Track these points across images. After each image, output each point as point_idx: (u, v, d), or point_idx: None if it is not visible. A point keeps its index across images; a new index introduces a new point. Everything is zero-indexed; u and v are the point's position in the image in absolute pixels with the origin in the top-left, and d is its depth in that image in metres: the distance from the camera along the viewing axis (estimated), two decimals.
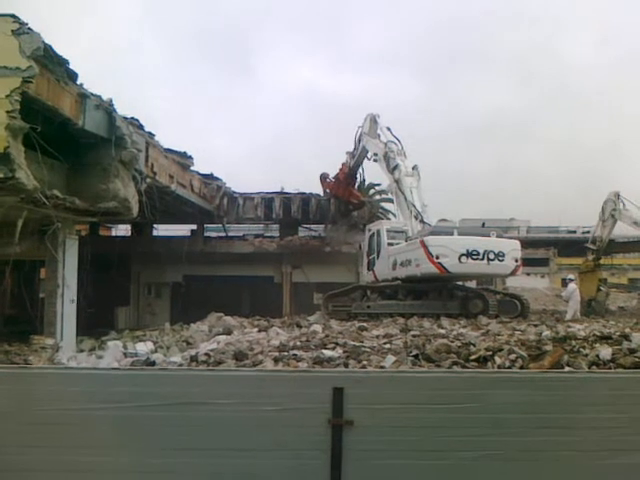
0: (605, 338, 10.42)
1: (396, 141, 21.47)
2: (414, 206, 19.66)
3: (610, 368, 8.24)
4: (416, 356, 9.46)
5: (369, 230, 22.58)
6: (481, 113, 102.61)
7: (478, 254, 17.99)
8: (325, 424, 4.37)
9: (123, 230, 35.49)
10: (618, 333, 10.97)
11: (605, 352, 8.89)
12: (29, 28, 12.35)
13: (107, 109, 15.63)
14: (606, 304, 25.61)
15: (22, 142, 12.34)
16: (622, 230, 26.83)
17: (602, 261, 27.39)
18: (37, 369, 7.73)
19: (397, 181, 20.40)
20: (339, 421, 4.36)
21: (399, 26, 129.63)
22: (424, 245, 17.90)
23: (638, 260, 49.83)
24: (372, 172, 26.08)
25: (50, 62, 13.28)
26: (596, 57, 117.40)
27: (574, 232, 45.91)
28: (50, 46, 13.01)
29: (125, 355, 12.31)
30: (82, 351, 15.05)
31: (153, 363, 10.47)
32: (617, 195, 25.09)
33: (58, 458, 4.48)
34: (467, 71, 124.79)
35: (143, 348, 12.83)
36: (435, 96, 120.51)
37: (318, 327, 15.19)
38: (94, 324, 19.59)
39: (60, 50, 13.51)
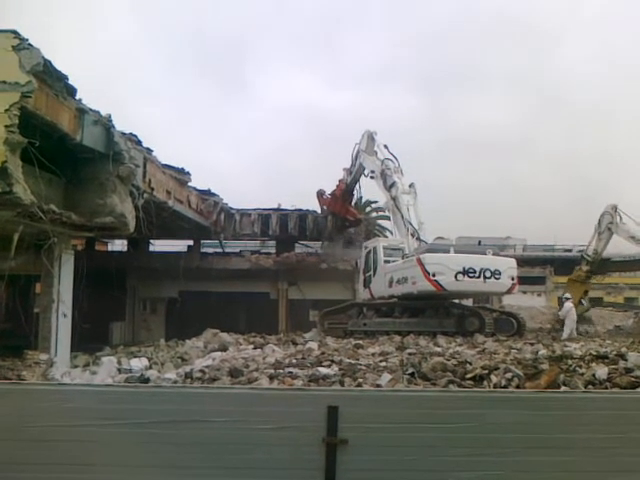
0: (601, 357, 10.40)
1: (393, 159, 21.58)
2: (411, 224, 19.71)
3: (606, 388, 8.23)
4: (412, 374, 9.43)
5: (366, 247, 22.61)
6: (479, 128, 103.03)
7: (474, 272, 18.02)
8: (319, 443, 4.33)
9: (119, 245, 35.42)
10: (614, 352, 10.95)
11: (601, 371, 8.88)
12: (29, 44, 12.46)
13: (105, 124, 15.70)
14: (585, 317, 25.49)
15: (20, 156, 12.38)
16: (617, 245, 26.84)
17: (594, 279, 27.43)
18: (30, 385, 7.69)
19: (394, 198, 20.47)
20: (333, 440, 4.32)
21: (396, 41, 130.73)
22: (420, 263, 17.92)
23: (634, 279, 49.90)
24: (369, 189, 26.18)
25: (49, 77, 13.36)
26: (591, 71, 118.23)
27: (570, 251, 45.97)
28: (49, 61, 13.10)
29: (119, 371, 12.22)
30: (76, 367, 14.94)
31: (147, 379, 10.40)
32: (615, 208, 25.06)
33: (51, 476, 4.43)
34: (464, 87, 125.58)
35: (137, 364, 12.72)
36: (433, 111, 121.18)
37: (314, 344, 15.14)
38: (88, 339, 19.49)
39: (59, 64, 13.63)
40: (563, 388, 8.04)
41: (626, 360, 9.89)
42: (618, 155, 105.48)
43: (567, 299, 22.98)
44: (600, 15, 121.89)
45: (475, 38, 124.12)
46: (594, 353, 10.93)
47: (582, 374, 8.98)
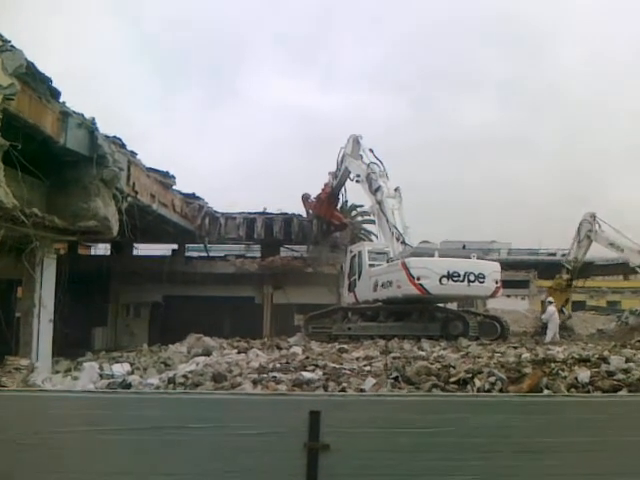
0: (584, 361, 10.48)
1: (378, 163, 21.63)
2: (396, 228, 19.75)
3: (589, 391, 8.28)
4: (396, 378, 9.44)
5: (350, 251, 22.65)
6: (468, 129, 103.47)
7: (459, 276, 18.10)
8: (301, 448, 4.31)
9: (102, 249, 35.19)
10: (596, 356, 11.04)
11: (583, 375, 8.94)
12: (12, 45, 12.33)
13: (89, 127, 15.60)
14: (566, 326, 25.74)
15: (2, 159, 12.25)
16: (598, 249, 27.13)
17: (575, 283, 27.75)
18: (8, 391, 7.60)
19: (379, 202, 20.52)
20: (315, 445, 4.30)
21: (388, 42, 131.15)
22: (405, 266, 17.97)
23: (616, 283, 50.37)
24: (354, 193, 26.21)
25: (32, 79, 13.25)
26: (583, 72, 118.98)
27: (554, 255, 46.37)
28: (32, 63, 13.00)
29: (101, 377, 12.10)
30: (57, 372, 14.77)
31: (129, 385, 10.31)
32: (593, 216, 25.45)
33: None
34: (454, 87, 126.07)
35: (120, 369, 12.60)
36: (424, 112, 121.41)
37: (298, 349, 15.12)
38: (70, 345, 19.30)
39: (43, 67, 13.52)
40: (546, 391, 8.08)
41: (608, 363, 9.96)
42: (611, 155, 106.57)
43: (550, 303, 23.21)
44: (593, 14, 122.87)
45: (466, 38, 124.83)
46: (576, 356, 11.02)
47: (565, 377, 9.03)
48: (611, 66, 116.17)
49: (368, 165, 21.66)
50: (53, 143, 14.51)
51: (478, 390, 8.51)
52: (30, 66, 12.90)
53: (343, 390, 8.74)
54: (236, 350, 15.62)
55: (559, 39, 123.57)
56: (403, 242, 19.52)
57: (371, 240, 33.50)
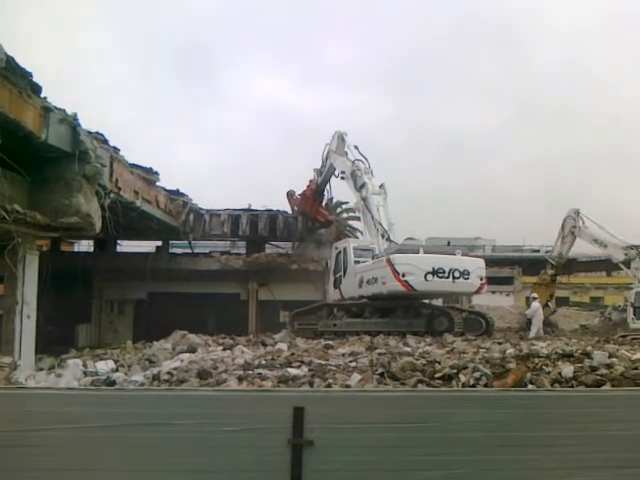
0: (567, 356, 10.54)
1: (363, 159, 21.63)
2: (381, 224, 19.76)
3: (572, 386, 8.34)
4: (382, 374, 9.44)
5: (336, 248, 22.61)
6: (450, 131, 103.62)
7: (444, 272, 18.13)
8: (285, 444, 4.30)
9: (86, 246, 34.88)
10: (580, 351, 11.11)
11: (567, 370, 9.00)
12: None
13: (71, 123, 15.43)
14: (550, 321, 26.00)
15: None
16: (581, 246, 27.41)
17: (559, 279, 28.03)
18: None
19: (364, 199, 20.52)
20: (299, 441, 4.29)
21: (370, 44, 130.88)
22: (390, 263, 17.98)
23: (599, 279, 50.83)
24: (340, 190, 26.19)
25: (13, 74, 13.08)
26: (563, 76, 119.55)
27: (538, 251, 46.65)
28: (12, 58, 12.82)
29: (85, 374, 11.98)
30: (41, 370, 14.60)
31: (113, 382, 10.22)
32: (577, 212, 25.73)
33: None
34: (436, 89, 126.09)
35: (104, 367, 12.47)
36: (404, 114, 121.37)
37: (284, 345, 15.09)
38: (54, 342, 19.12)
39: (22, 60, 13.36)
40: (530, 386, 8.13)
41: (591, 359, 10.03)
42: (588, 160, 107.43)
43: (534, 299, 23.39)
44: (570, 20, 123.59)
45: (449, 41, 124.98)
46: (560, 352, 11.07)
47: (548, 373, 9.08)
48: (588, 71, 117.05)
49: (353, 162, 21.65)
50: (35, 139, 14.32)
51: (463, 385, 8.54)
52: (10, 60, 12.72)
53: (329, 386, 8.73)
54: (221, 347, 15.55)
55: (537, 44, 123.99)
56: (388, 239, 19.54)
57: (356, 237, 33.56)
